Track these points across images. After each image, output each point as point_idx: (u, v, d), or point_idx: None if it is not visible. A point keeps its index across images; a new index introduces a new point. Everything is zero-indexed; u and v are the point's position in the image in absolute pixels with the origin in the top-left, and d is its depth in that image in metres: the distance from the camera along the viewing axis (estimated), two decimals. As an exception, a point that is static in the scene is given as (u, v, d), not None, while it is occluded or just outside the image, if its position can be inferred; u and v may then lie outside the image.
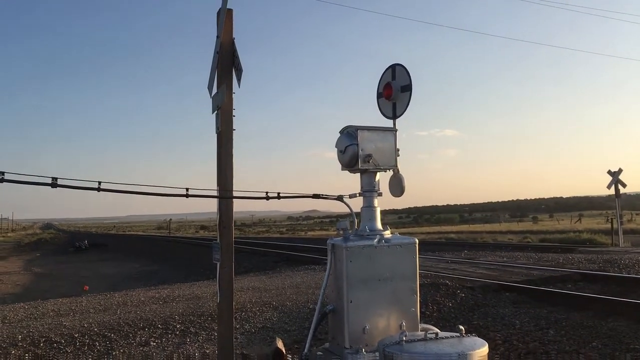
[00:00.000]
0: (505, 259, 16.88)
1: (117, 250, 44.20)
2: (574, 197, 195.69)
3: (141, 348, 6.94)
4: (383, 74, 5.17)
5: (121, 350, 6.84)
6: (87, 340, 7.22)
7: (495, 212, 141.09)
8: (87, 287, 18.81)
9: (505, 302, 9.10)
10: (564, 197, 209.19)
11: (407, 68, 4.93)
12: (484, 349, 3.53)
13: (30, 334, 7.61)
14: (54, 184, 4.35)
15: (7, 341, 7.17)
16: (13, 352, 6.72)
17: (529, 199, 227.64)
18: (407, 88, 4.88)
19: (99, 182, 4.51)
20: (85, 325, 8.04)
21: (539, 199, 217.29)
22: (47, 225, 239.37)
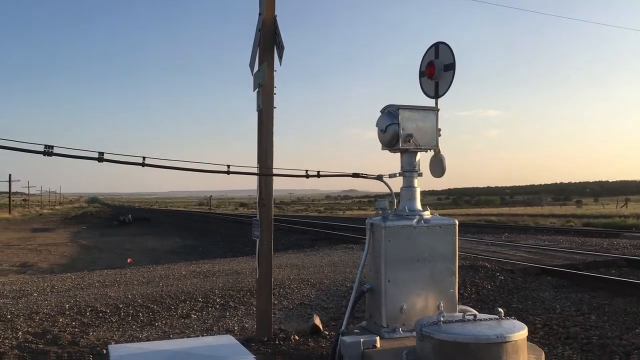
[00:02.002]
0: (546, 242, 16.58)
1: (159, 225, 45.15)
2: (621, 181, 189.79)
3: (183, 320, 7.13)
4: (426, 52, 5.08)
5: (163, 322, 7.04)
6: (131, 311, 7.46)
7: (538, 195, 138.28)
8: (131, 260, 19.29)
9: (546, 286, 8.97)
10: (610, 180, 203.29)
11: (451, 46, 4.85)
12: (523, 332, 3.50)
13: (77, 303, 7.90)
14: (100, 158, 4.48)
15: (56, 309, 7.47)
16: (61, 320, 6.99)
17: (572, 182, 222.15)
18: (451, 67, 4.79)
19: (144, 158, 4.62)
20: (130, 297, 8.29)
21: (584, 182, 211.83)
22: (93, 199, 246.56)
